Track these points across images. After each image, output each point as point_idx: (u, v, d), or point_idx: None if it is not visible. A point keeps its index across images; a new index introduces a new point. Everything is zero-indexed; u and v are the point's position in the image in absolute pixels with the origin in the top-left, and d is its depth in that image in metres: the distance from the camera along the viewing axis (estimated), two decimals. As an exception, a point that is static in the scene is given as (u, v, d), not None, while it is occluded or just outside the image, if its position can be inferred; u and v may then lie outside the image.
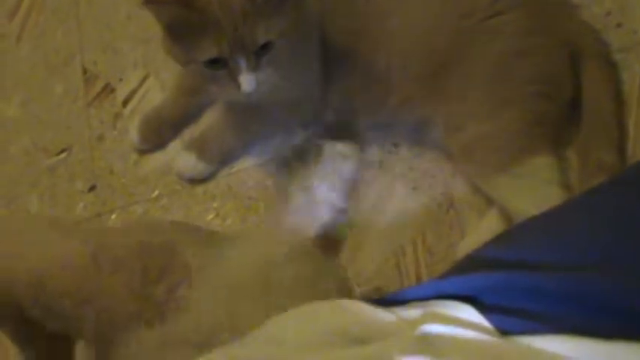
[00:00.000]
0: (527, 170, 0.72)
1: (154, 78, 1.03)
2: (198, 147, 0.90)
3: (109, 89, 1.04)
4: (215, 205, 0.93)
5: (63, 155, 1.03)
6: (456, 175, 0.85)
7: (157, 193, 0.95)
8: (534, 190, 0.72)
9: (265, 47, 0.67)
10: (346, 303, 0.36)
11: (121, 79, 1.05)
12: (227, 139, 0.89)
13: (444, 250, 0.82)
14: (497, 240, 0.42)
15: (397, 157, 0.87)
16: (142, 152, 0.97)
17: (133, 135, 0.95)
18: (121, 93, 1.03)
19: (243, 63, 0.65)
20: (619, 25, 0.87)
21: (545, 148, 0.73)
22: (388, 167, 0.88)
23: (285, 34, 0.68)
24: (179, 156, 0.92)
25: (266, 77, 0.68)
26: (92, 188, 0.99)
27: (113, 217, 0.95)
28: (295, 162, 0.81)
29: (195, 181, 0.92)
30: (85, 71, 1.07)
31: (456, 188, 0.84)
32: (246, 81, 0.66)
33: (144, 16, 1.09)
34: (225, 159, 0.91)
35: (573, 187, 0.74)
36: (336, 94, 0.83)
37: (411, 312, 0.35)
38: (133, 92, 1.03)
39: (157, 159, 0.97)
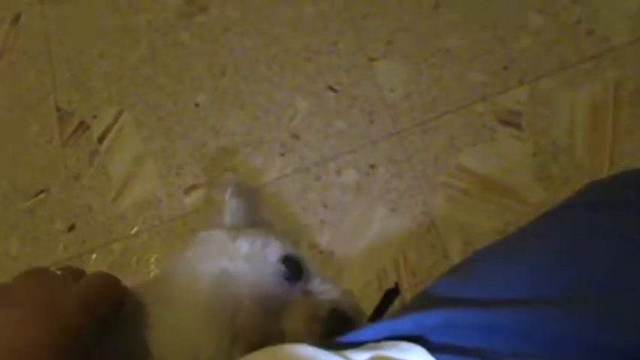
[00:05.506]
0: None
1: (128, 113, 1.02)
2: None
3: (83, 127, 1.04)
4: (196, 238, 0.91)
5: (41, 196, 1.02)
6: (435, 193, 0.84)
7: (136, 229, 0.93)
8: None
9: None
10: (297, 348, 0.35)
11: (95, 116, 1.04)
12: None
13: (427, 270, 0.80)
14: (451, 274, 0.41)
15: (374, 178, 0.86)
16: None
17: None
18: (96, 130, 1.03)
19: None
20: (590, 33, 0.86)
21: None
22: (366, 189, 0.87)
23: None
24: None
25: None
26: (72, 228, 0.98)
27: (93, 257, 0.94)
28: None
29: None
30: (58, 109, 1.06)
31: (436, 207, 0.83)
32: None
33: (116, 53, 1.09)
34: None
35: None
36: None
37: (361, 355, 0.34)
38: (109, 129, 1.02)
39: (135, 194, 0.96)
